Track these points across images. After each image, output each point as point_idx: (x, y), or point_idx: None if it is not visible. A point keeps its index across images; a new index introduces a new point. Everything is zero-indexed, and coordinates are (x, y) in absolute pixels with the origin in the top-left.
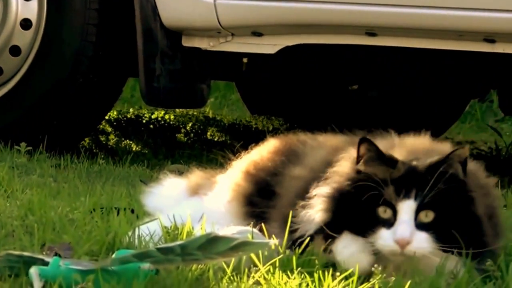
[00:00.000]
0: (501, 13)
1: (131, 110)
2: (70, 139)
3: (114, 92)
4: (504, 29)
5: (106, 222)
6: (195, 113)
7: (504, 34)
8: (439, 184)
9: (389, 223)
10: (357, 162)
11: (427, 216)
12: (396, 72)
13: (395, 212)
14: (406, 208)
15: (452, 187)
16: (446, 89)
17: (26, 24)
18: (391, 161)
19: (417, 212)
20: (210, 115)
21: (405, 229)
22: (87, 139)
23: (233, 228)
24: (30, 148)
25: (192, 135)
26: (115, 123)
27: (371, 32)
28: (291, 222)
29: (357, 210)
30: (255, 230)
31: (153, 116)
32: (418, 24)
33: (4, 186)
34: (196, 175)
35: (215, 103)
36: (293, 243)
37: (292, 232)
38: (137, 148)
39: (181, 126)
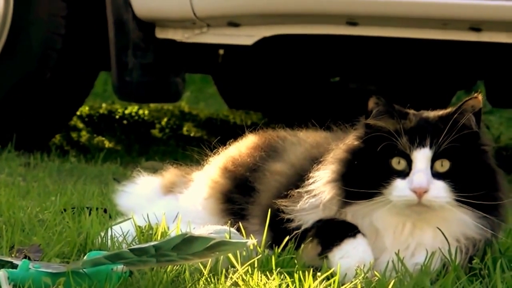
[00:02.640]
0: (487, 1)
1: (103, 105)
2: (40, 136)
3: (85, 86)
4: (491, 17)
5: (77, 223)
6: (170, 107)
7: (491, 23)
8: (453, 133)
9: (404, 174)
10: (366, 117)
11: (443, 166)
12: (379, 63)
13: (409, 162)
14: (422, 157)
15: (466, 137)
16: (432, 80)
17: None
18: (401, 113)
19: (433, 161)
20: (186, 110)
21: (422, 178)
22: (57, 136)
23: (209, 228)
24: None
25: (167, 130)
26: (87, 119)
27: (352, 21)
28: (283, 212)
29: (369, 164)
30: (233, 230)
31: (126, 112)
32: (401, 12)
33: None
34: (170, 173)
35: (190, 97)
36: (287, 234)
37: (286, 222)
38: (110, 145)
39: (155, 121)
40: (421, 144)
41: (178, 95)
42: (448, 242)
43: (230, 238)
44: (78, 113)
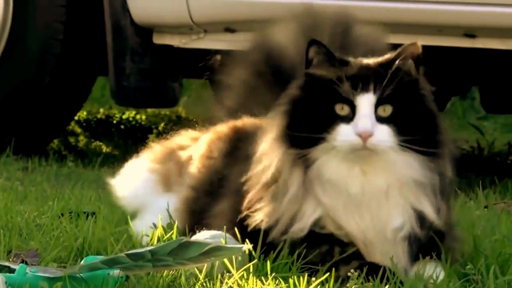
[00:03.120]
0: (482, 7)
1: (101, 110)
2: (38, 141)
3: (83, 91)
4: (485, 23)
5: (74, 227)
6: (167, 112)
7: (485, 29)
8: (395, 79)
9: (348, 119)
10: (307, 66)
11: (386, 111)
12: None
13: (353, 108)
14: (365, 102)
15: (407, 82)
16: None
17: None
18: (343, 61)
19: (376, 106)
20: (183, 115)
21: (366, 122)
22: (55, 141)
23: (205, 233)
24: None
25: (164, 135)
26: (84, 124)
27: None
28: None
29: (312, 112)
30: (228, 235)
31: (124, 117)
32: (394, 18)
33: None
34: (166, 167)
35: (188, 102)
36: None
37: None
38: (107, 150)
39: (153, 126)
40: (364, 90)
41: (175, 100)
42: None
43: (225, 243)
44: (76, 118)
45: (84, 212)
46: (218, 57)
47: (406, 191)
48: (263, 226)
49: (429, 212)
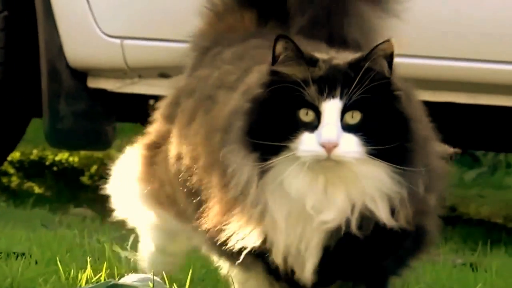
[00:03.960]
0: None
1: (34, 151)
2: None
3: (17, 132)
4: None
5: (5, 266)
6: (100, 155)
7: None
8: (365, 82)
9: (313, 126)
10: (273, 63)
11: (354, 117)
12: None
13: (318, 114)
14: (331, 108)
15: (378, 85)
16: None
17: None
18: (311, 60)
19: (343, 113)
20: (116, 157)
21: (331, 131)
22: None
23: (133, 276)
24: None
25: (96, 178)
26: (17, 165)
27: None
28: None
29: (275, 116)
30: (156, 278)
31: (57, 158)
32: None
33: None
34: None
35: (121, 145)
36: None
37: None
38: (39, 191)
39: (85, 168)
40: (331, 95)
41: (108, 143)
42: (363, 199)
43: (153, 286)
44: (9, 158)
45: (14, 253)
46: (152, 101)
47: (362, 197)
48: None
49: (381, 212)
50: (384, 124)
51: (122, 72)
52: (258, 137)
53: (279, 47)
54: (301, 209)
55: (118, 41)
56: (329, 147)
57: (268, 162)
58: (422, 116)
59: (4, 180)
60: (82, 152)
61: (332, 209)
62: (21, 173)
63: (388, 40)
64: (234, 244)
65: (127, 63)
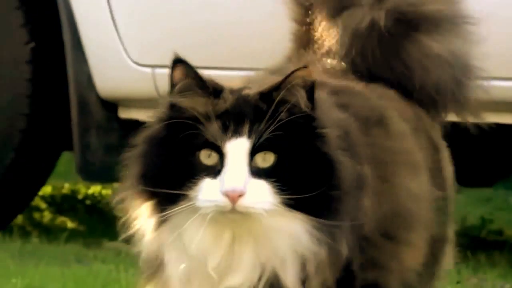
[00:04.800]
0: None
1: (66, 185)
2: (1, 216)
3: (48, 166)
4: None
5: None
6: None
7: None
8: (279, 116)
9: (216, 171)
10: (171, 92)
11: (266, 160)
12: None
13: (222, 156)
14: (237, 149)
15: (297, 121)
16: None
17: None
18: (214, 90)
19: (252, 154)
20: None
21: (236, 178)
22: (20, 216)
23: None
24: None
25: None
26: (49, 199)
27: None
28: None
29: (173, 158)
30: None
31: (89, 192)
32: None
33: None
34: None
35: None
36: None
37: None
38: (72, 225)
39: None
40: (237, 133)
41: None
42: (274, 260)
43: None
44: (40, 193)
45: None
46: None
47: (273, 260)
48: None
49: (288, 279)
50: (303, 168)
51: (153, 101)
52: (154, 183)
53: (177, 73)
54: (203, 270)
55: (149, 70)
56: (233, 197)
57: (165, 213)
58: (360, 158)
59: (36, 215)
60: (115, 185)
61: (238, 271)
62: (53, 208)
63: (305, 66)
64: None
65: (158, 92)
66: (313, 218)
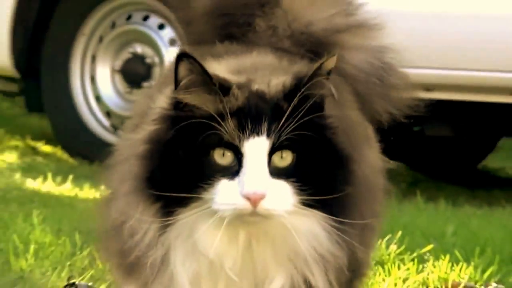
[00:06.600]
0: None
1: None
2: None
3: None
4: None
5: None
6: None
7: None
8: (300, 113)
9: (232, 171)
10: (176, 89)
11: (284, 158)
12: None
13: (239, 156)
14: (256, 149)
15: (318, 116)
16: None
17: None
18: (221, 86)
19: (271, 153)
20: None
21: (257, 179)
22: None
23: None
24: None
25: None
26: None
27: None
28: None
29: (183, 158)
30: None
31: None
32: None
33: None
34: None
35: None
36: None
37: None
38: None
39: None
40: (255, 132)
41: None
42: (295, 261)
43: None
44: None
45: None
46: None
47: (296, 261)
48: None
49: (319, 281)
50: (321, 166)
51: None
52: (161, 186)
53: (182, 69)
54: (215, 270)
55: None
56: (255, 200)
57: (174, 217)
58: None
59: None
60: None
61: (275, 276)
62: None
63: (334, 54)
64: None
65: None
66: (332, 217)
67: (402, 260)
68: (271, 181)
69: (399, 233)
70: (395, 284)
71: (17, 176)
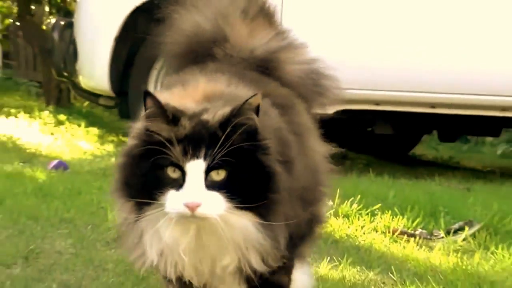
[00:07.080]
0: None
1: None
2: None
3: None
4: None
5: None
6: None
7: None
8: (232, 138)
9: (179, 184)
10: (145, 118)
11: (219, 174)
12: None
13: (184, 173)
14: (195, 168)
15: (246, 139)
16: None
17: None
18: (174, 117)
19: (208, 172)
20: None
21: (192, 193)
22: None
23: None
24: None
25: None
26: None
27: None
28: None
29: (147, 170)
30: None
31: None
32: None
33: None
34: None
35: None
36: None
37: None
38: None
39: None
40: (195, 155)
41: None
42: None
43: None
44: None
45: None
46: None
47: (236, 248)
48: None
49: (255, 262)
50: (249, 179)
51: None
52: (132, 191)
53: (147, 103)
54: (173, 251)
55: None
56: (192, 207)
57: (143, 213)
58: (290, 148)
59: None
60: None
61: (225, 255)
62: None
63: (255, 94)
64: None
65: None
66: (257, 217)
67: (360, 214)
68: (206, 192)
69: (358, 196)
70: (356, 229)
71: (113, 160)
